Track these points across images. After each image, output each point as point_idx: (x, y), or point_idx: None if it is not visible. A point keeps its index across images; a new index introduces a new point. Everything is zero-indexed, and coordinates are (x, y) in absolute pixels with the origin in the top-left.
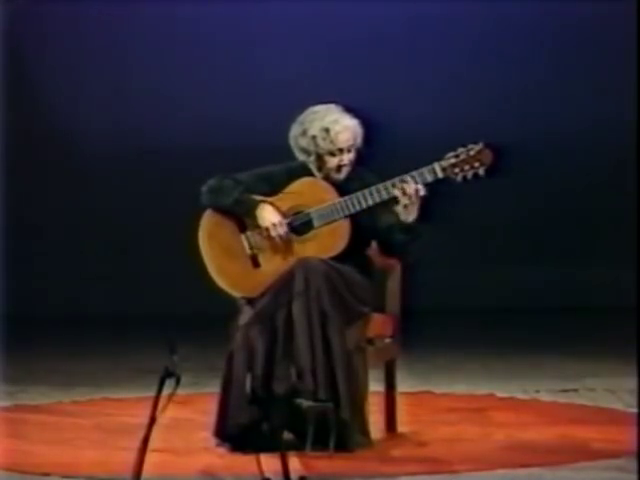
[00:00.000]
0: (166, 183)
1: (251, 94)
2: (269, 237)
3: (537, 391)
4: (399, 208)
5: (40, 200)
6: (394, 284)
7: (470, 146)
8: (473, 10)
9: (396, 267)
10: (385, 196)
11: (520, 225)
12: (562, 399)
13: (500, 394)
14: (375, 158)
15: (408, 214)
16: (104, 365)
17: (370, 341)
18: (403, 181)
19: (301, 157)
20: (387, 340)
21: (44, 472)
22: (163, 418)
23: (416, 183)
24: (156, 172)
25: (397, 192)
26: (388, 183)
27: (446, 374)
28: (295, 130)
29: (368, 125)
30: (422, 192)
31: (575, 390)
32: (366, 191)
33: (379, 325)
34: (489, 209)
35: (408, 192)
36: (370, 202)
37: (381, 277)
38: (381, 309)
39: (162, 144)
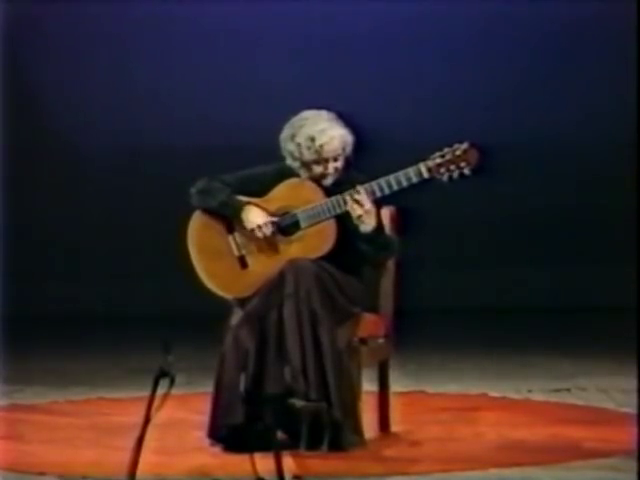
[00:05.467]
0: (166, 183)
1: (250, 94)
2: (256, 238)
3: (529, 391)
4: (354, 219)
5: (39, 200)
6: (387, 284)
7: (456, 146)
8: (471, 10)
9: (389, 267)
10: (343, 207)
11: (517, 225)
12: (554, 399)
13: (492, 394)
14: (367, 160)
15: (364, 224)
16: (100, 365)
17: (363, 341)
18: (354, 192)
19: (288, 160)
20: (380, 340)
21: (40, 471)
22: (158, 418)
23: (374, 193)
24: (156, 172)
25: (348, 204)
26: (351, 192)
27: (439, 374)
28: (285, 133)
29: (360, 132)
30: (367, 205)
31: (567, 390)
32: (344, 194)
33: (372, 325)
34: (487, 208)
35: (359, 202)
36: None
37: (374, 277)
38: (374, 309)
39: (162, 144)
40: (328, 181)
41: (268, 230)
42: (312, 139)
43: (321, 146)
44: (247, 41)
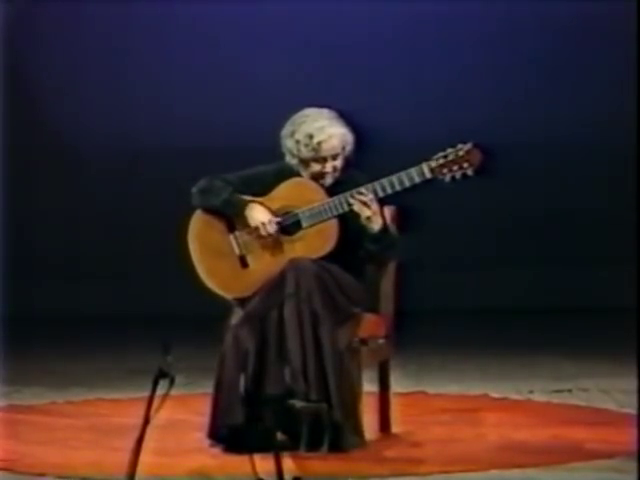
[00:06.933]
0: (165, 183)
1: (250, 94)
2: (258, 237)
3: (531, 391)
4: (363, 219)
5: (39, 200)
6: (388, 285)
7: (459, 146)
8: (471, 10)
9: (390, 268)
10: (346, 207)
11: (518, 225)
12: (556, 399)
13: (493, 395)
14: (368, 160)
15: (372, 224)
16: (99, 366)
17: (364, 341)
18: (359, 193)
19: (287, 157)
20: (381, 341)
21: (38, 472)
22: (157, 419)
23: (376, 193)
24: (155, 172)
25: (355, 206)
26: (353, 192)
27: (440, 374)
28: (285, 129)
29: (361, 131)
30: (374, 205)
31: (569, 390)
32: (347, 194)
33: (373, 325)
34: (487, 209)
35: (367, 204)
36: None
37: (375, 278)
38: (375, 309)
39: (161, 144)
40: (327, 180)
41: (272, 228)
42: (310, 136)
43: (319, 144)
44: (247, 41)
